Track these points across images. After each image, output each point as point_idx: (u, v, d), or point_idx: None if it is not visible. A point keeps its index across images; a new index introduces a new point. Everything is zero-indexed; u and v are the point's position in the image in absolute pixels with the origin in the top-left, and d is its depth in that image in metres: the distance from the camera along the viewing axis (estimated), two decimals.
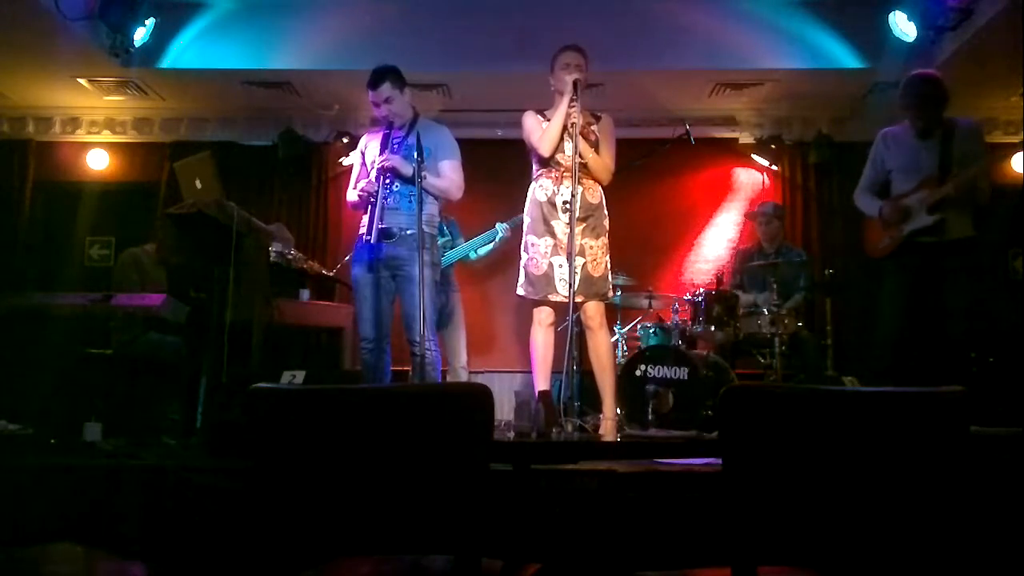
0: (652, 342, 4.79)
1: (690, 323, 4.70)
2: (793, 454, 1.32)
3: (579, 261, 3.32)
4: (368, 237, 3.48)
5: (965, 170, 3.55)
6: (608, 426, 3.37)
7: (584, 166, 3.39)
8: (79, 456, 2.86)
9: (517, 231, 3.84)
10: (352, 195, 3.65)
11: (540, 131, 3.43)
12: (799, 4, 5.33)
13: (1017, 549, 2.00)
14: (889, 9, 4.97)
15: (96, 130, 6.35)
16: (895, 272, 3.76)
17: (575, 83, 3.34)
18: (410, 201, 3.47)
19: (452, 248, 4.70)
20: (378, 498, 1.37)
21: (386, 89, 3.55)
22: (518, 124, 3.56)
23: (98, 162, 6.29)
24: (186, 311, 3.98)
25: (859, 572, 1.32)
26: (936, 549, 1.31)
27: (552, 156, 3.41)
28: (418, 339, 3.44)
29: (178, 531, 2.24)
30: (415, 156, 3.37)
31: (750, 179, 6.29)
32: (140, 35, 5.06)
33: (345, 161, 5.50)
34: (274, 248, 3.91)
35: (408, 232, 3.50)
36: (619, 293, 4.89)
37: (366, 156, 3.69)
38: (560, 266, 3.36)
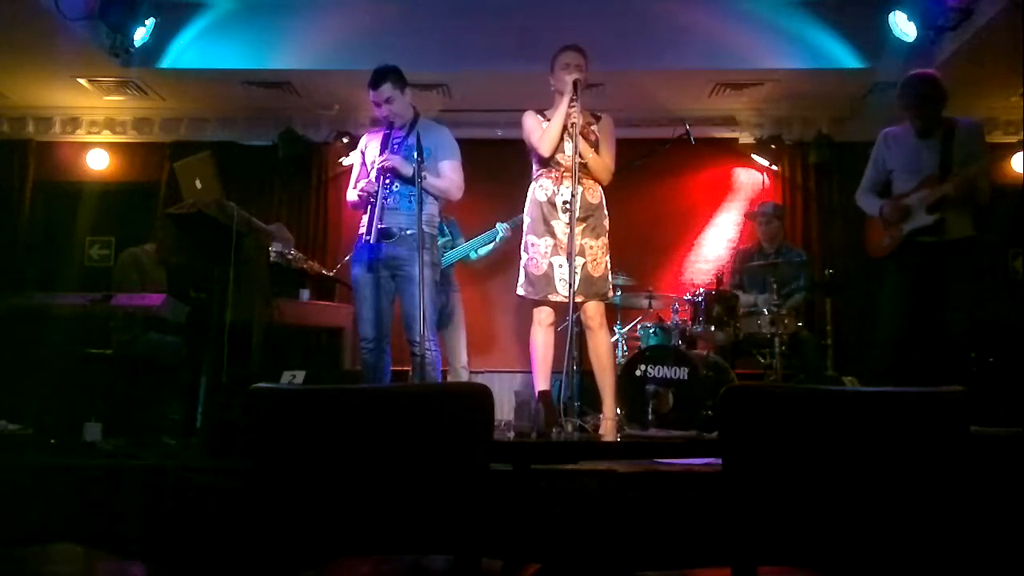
0: (652, 342, 4.79)
1: (690, 323, 4.70)
2: (793, 454, 1.32)
3: (579, 261, 3.32)
4: (368, 237, 3.48)
5: (965, 170, 3.55)
6: (608, 426, 3.37)
7: (584, 166, 3.39)
8: (79, 456, 2.86)
9: (517, 231, 3.84)
10: (352, 195, 3.65)
11: (540, 131, 3.43)
12: (799, 4, 5.33)
13: (1017, 549, 2.00)
14: (889, 9, 4.97)
15: (96, 130, 6.35)
16: (895, 272, 3.77)
17: (575, 83, 3.34)
18: (410, 201, 3.47)
19: (452, 248, 4.70)
20: (378, 498, 1.37)
21: (387, 89, 3.55)
22: (518, 124, 3.56)
23: (98, 162, 6.29)
24: (186, 311, 3.98)
25: (859, 572, 1.32)
26: (936, 549, 1.31)
27: (552, 156, 3.41)
28: (418, 339, 3.44)
29: (178, 531, 2.24)
30: (415, 156, 3.37)
31: (750, 179, 6.29)
32: (140, 35, 5.06)
33: (345, 161, 5.50)
34: (274, 248, 3.91)
35: (408, 232, 3.50)
36: (619, 293, 4.89)
37: (366, 156, 3.69)
38: (560, 266, 3.36)
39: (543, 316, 3.44)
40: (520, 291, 3.48)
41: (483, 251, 4.79)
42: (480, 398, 1.34)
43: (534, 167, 3.53)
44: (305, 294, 4.42)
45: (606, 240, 3.44)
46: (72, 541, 2.21)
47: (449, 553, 1.38)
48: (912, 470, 1.32)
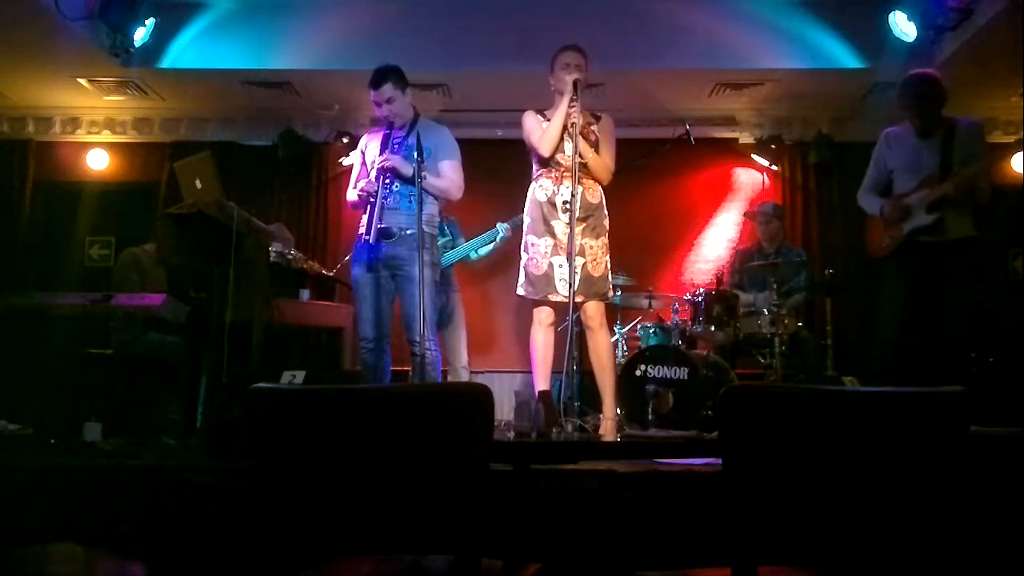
0: (652, 342, 4.79)
1: (690, 323, 4.70)
2: (793, 454, 1.32)
3: (579, 261, 3.31)
4: (367, 237, 3.48)
5: (965, 169, 3.56)
6: (608, 426, 3.37)
7: (584, 166, 3.39)
8: (79, 456, 2.86)
9: (518, 231, 3.84)
10: (352, 195, 3.65)
11: (540, 131, 3.43)
12: (799, 4, 5.33)
13: (1017, 549, 2.00)
14: (889, 9, 4.98)
15: (96, 130, 6.35)
16: (895, 272, 3.77)
17: (575, 83, 3.34)
18: (410, 201, 3.47)
19: (453, 248, 4.70)
20: (378, 498, 1.37)
21: (388, 89, 3.55)
22: (518, 124, 3.56)
23: (98, 162, 6.30)
24: (186, 311, 3.98)
25: (859, 572, 1.32)
26: (936, 549, 1.31)
27: (552, 156, 3.41)
28: (418, 339, 3.44)
29: (178, 531, 2.24)
30: (415, 156, 3.37)
31: (750, 179, 6.29)
32: (140, 35, 5.06)
33: (345, 161, 5.51)
34: (274, 248, 3.91)
35: (408, 232, 3.50)
36: (619, 293, 4.89)
37: (366, 156, 3.69)
38: (560, 266, 3.36)
39: (543, 316, 3.44)
40: (520, 291, 3.47)
41: (483, 251, 4.79)
42: (480, 398, 1.34)
43: (534, 167, 3.53)
44: (305, 294, 4.42)
45: (606, 240, 3.44)
46: (72, 541, 2.21)
47: (449, 553, 1.38)
48: (912, 470, 1.32)
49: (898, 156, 3.79)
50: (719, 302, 4.58)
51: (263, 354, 3.50)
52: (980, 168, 3.57)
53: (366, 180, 3.57)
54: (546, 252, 3.39)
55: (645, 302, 5.14)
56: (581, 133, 3.38)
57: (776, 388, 2.17)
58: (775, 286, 4.56)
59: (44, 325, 3.84)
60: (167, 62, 5.41)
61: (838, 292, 5.20)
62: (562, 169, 3.40)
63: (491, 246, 4.76)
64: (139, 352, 4.24)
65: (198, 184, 3.64)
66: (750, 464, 1.31)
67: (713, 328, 4.56)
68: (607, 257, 3.43)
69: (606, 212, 3.48)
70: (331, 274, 4.69)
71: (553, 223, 3.40)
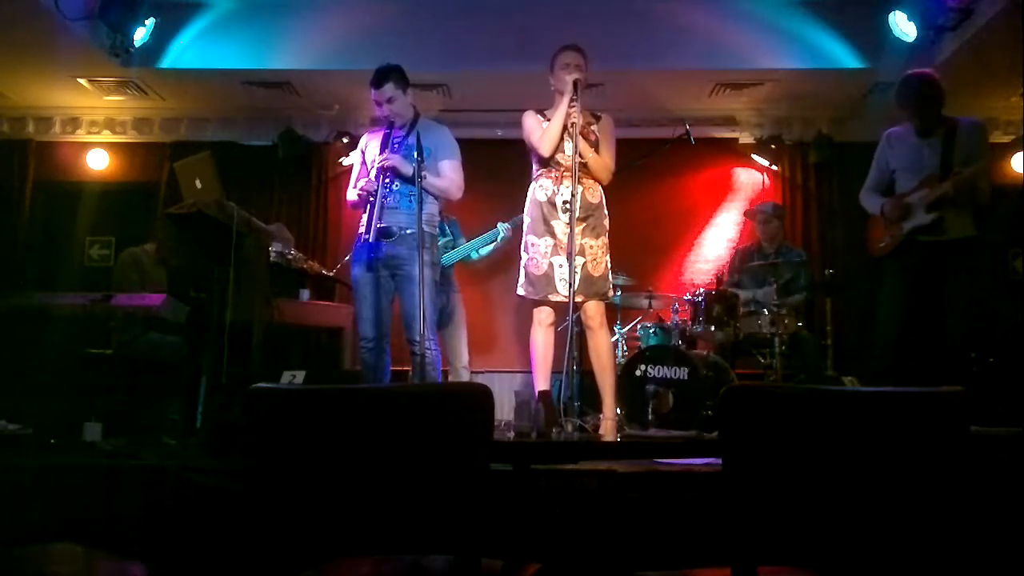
0: (652, 342, 4.78)
1: (690, 323, 4.70)
2: (793, 454, 1.32)
3: (579, 261, 3.31)
4: (367, 236, 3.47)
5: (965, 169, 3.56)
6: (608, 426, 3.37)
7: (584, 166, 3.39)
8: (79, 456, 2.86)
9: (518, 231, 3.84)
10: (352, 194, 3.65)
11: (540, 131, 3.43)
12: (799, 4, 5.33)
13: (1017, 549, 2.00)
14: (889, 9, 4.97)
15: (96, 130, 6.35)
16: (895, 272, 3.77)
17: (575, 83, 3.34)
18: (410, 201, 3.47)
19: (453, 248, 4.70)
20: (378, 498, 1.37)
21: (389, 89, 3.55)
22: (518, 124, 3.56)
23: (98, 162, 6.30)
24: (186, 311, 3.98)
25: (859, 572, 1.32)
26: (936, 549, 1.31)
27: (552, 156, 3.41)
28: (418, 339, 3.44)
29: (178, 531, 2.24)
30: (415, 156, 3.37)
31: (750, 179, 6.29)
32: (140, 35, 5.06)
33: (345, 161, 5.51)
34: (274, 248, 3.91)
35: (408, 232, 3.50)
36: (619, 293, 4.89)
37: (366, 155, 3.69)
38: (560, 266, 3.36)
39: (543, 316, 3.44)
40: (520, 291, 3.47)
41: (484, 251, 4.78)
42: (480, 398, 1.34)
43: (534, 167, 3.53)
44: (305, 294, 4.42)
45: (606, 240, 3.44)
46: (72, 541, 2.21)
47: (449, 553, 1.38)
48: (912, 470, 1.32)
49: (899, 156, 3.80)
50: (719, 302, 4.58)
51: (263, 354, 3.50)
52: (980, 168, 3.57)
53: (366, 179, 3.57)
54: (546, 252, 3.39)
55: (645, 302, 5.14)
56: (581, 133, 3.38)
57: (776, 388, 2.17)
58: (775, 285, 4.56)
59: (44, 325, 3.84)
60: (167, 62, 5.41)
61: (838, 292, 5.21)
62: (562, 169, 3.40)
63: (492, 246, 4.76)
64: (139, 352, 4.24)
65: (198, 184, 3.65)
66: (750, 464, 1.31)
67: (713, 328, 4.56)
68: (607, 257, 3.43)
69: (606, 212, 3.48)
70: (331, 274, 4.69)
71: (553, 223, 3.40)
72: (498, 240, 4.73)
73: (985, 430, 2.84)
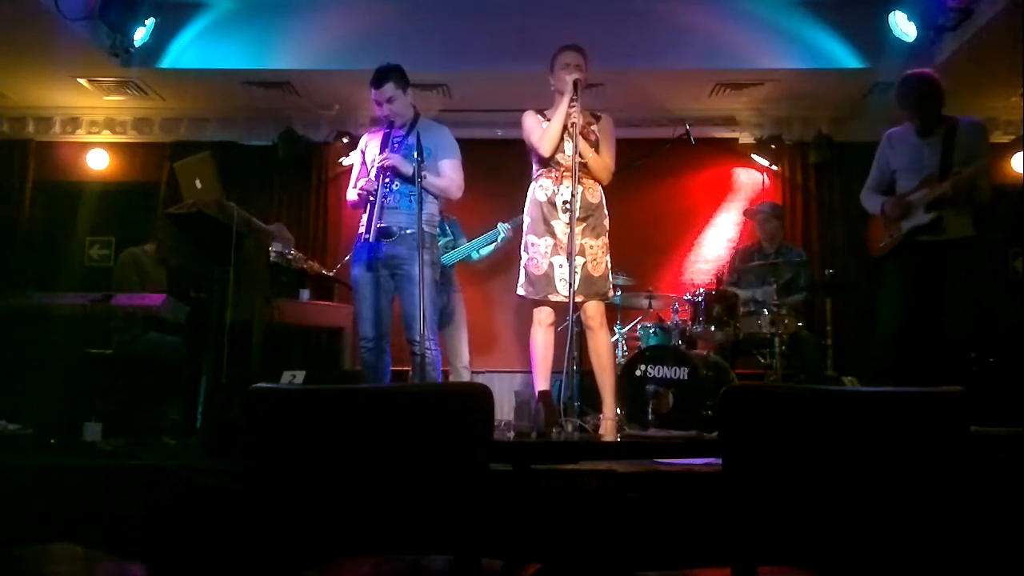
0: (652, 342, 4.78)
1: (690, 323, 4.70)
2: (793, 454, 1.32)
3: (579, 261, 3.31)
4: (367, 236, 3.47)
5: (964, 169, 3.56)
6: (608, 426, 3.37)
7: (584, 166, 3.39)
8: (79, 456, 2.86)
9: (519, 231, 3.84)
10: (352, 194, 3.65)
11: (540, 131, 3.43)
12: (799, 4, 5.33)
13: (1017, 549, 2.00)
14: (889, 9, 4.98)
15: (96, 130, 6.35)
16: (895, 272, 3.77)
17: (575, 83, 3.34)
18: (410, 200, 3.47)
19: (454, 248, 4.70)
20: (378, 498, 1.37)
21: (389, 88, 3.55)
22: (518, 124, 3.56)
23: (98, 162, 6.30)
24: (186, 311, 3.98)
25: (859, 572, 1.32)
26: (936, 549, 1.31)
27: (552, 156, 3.41)
28: (418, 339, 3.43)
29: (178, 531, 2.24)
30: (415, 156, 3.37)
31: (750, 179, 6.29)
32: (140, 35, 5.06)
33: (345, 161, 5.50)
34: (274, 248, 3.91)
35: (408, 231, 3.50)
36: (619, 293, 4.89)
37: (366, 155, 3.69)
38: (560, 266, 3.36)
39: (543, 316, 3.44)
40: (520, 291, 3.47)
41: (485, 251, 4.79)
42: (480, 398, 1.34)
43: (534, 167, 3.53)
44: (305, 294, 4.42)
45: (606, 240, 3.44)
46: (72, 541, 2.21)
47: (449, 553, 1.38)
48: (912, 470, 1.32)
49: (900, 156, 3.80)
50: (719, 302, 4.58)
51: (263, 354, 3.50)
52: (980, 167, 3.57)
53: (366, 179, 3.57)
54: (546, 252, 3.39)
55: (645, 302, 5.14)
56: (581, 133, 3.37)
57: (776, 388, 2.17)
58: (775, 285, 4.56)
59: (44, 325, 3.84)
60: (167, 62, 5.41)
61: (838, 292, 5.20)
62: (562, 169, 3.40)
63: (492, 246, 4.76)
64: (139, 352, 4.24)
65: (198, 184, 3.64)
66: (750, 464, 1.31)
67: (713, 328, 4.56)
68: (607, 257, 3.43)
69: (606, 212, 3.48)
70: (331, 274, 4.69)
71: (553, 223, 3.40)
72: (498, 240, 4.73)
73: (985, 430, 2.84)
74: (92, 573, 2.15)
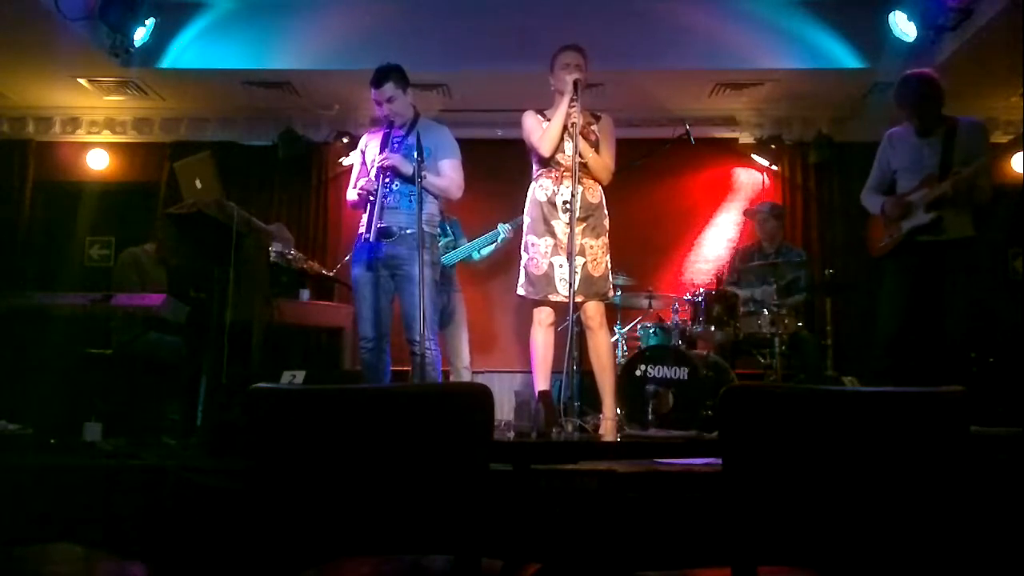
0: (652, 342, 4.79)
1: (690, 323, 4.70)
2: (793, 454, 1.32)
3: (579, 261, 3.31)
4: (367, 236, 3.47)
5: (964, 169, 3.56)
6: (608, 426, 3.37)
7: (584, 166, 3.39)
8: (79, 456, 2.86)
9: (518, 231, 3.84)
10: (352, 194, 3.65)
11: (540, 131, 3.43)
12: (799, 4, 5.33)
13: (1017, 549, 2.00)
14: (889, 9, 4.98)
15: (96, 130, 6.35)
16: (895, 272, 3.77)
17: (575, 83, 3.34)
18: (410, 200, 3.47)
19: (455, 248, 4.70)
20: (378, 498, 1.37)
21: (389, 88, 3.55)
22: (518, 124, 3.56)
23: (98, 162, 6.30)
24: (186, 311, 3.98)
25: (859, 572, 1.32)
26: (936, 549, 1.31)
27: (552, 156, 3.41)
28: (418, 339, 3.43)
29: (178, 531, 2.24)
30: (415, 155, 3.37)
31: (750, 179, 6.29)
32: (140, 35, 5.06)
33: (345, 161, 5.50)
34: (274, 248, 3.91)
35: (408, 231, 3.50)
36: (619, 293, 4.89)
37: (366, 155, 3.69)
38: (560, 266, 3.36)
39: (543, 316, 3.44)
40: (520, 291, 3.47)
41: (485, 251, 4.79)
42: (480, 398, 1.34)
43: (534, 167, 3.53)
44: (305, 294, 4.42)
45: (606, 240, 3.44)
46: (72, 541, 2.21)
47: (449, 553, 1.38)
48: (912, 470, 1.32)
49: (900, 156, 3.80)
50: (719, 302, 4.58)
51: (263, 354, 3.50)
52: (980, 166, 3.56)
53: (366, 179, 3.57)
54: (546, 252, 3.39)
55: (645, 302, 5.14)
56: (581, 133, 3.37)
57: (776, 388, 2.17)
58: (775, 285, 4.56)
59: (44, 325, 3.84)
60: (167, 62, 5.41)
61: (838, 292, 5.20)
62: (562, 169, 3.40)
63: (493, 247, 4.77)
64: (139, 352, 4.24)
65: (198, 184, 3.64)
66: (750, 464, 1.31)
67: (713, 328, 4.56)
68: (607, 257, 3.43)
69: (606, 212, 3.48)
70: (331, 274, 4.69)
71: (553, 223, 3.40)
72: (498, 241, 4.73)
73: (985, 430, 2.84)
74: (92, 573, 2.15)
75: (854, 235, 4.72)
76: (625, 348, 5.03)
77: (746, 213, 5.83)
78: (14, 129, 6.31)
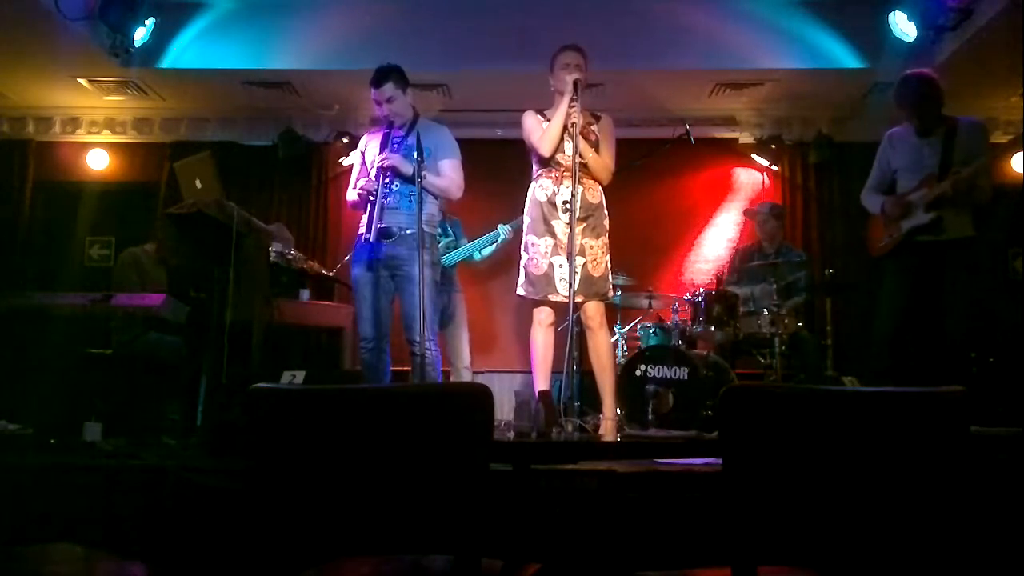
0: (652, 342, 4.79)
1: (690, 323, 4.70)
2: (793, 454, 1.32)
3: (579, 261, 3.31)
4: (367, 236, 3.47)
5: (963, 169, 3.56)
6: (608, 426, 3.37)
7: (584, 166, 3.39)
8: (79, 456, 2.86)
9: (519, 232, 3.84)
10: (352, 194, 3.65)
11: (540, 131, 3.43)
12: (799, 4, 5.33)
13: (1017, 549, 2.00)
14: (889, 9, 4.98)
15: (96, 130, 6.35)
16: (895, 272, 3.77)
17: (575, 83, 3.34)
18: (410, 200, 3.47)
19: (456, 248, 4.70)
20: (378, 498, 1.37)
21: (389, 88, 3.55)
22: (518, 124, 3.56)
23: (98, 162, 6.30)
24: (186, 311, 3.98)
25: (859, 572, 1.32)
26: (936, 549, 1.31)
27: (552, 156, 3.41)
28: (418, 339, 3.44)
29: (178, 531, 2.24)
30: (415, 156, 3.37)
31: (750, 179, 6.29)
32: (140, 35, 5.06)
33: (345, 161, 5.51)
34: (274, 248, 3.91)
35: (408, 232, 3.50)
36: (619, 293, 4.89)
37: (366, 156, 3.69)
38: (560, 266, 3.36)
39: (543, 316, 3.44)
40: (520, 291, 3.47)
41: (486, 252, 4.79)
42: (480, 398, 1.34)
43: (534, 167, 3.53)
44: (305, 294, 4.42)
45: (606, 240, 3.44)
46: (72, 541, 2.21)
47: (449, 553, 1.38)
48: (912, 470, 1.32)
49: (900, 156, 3.80)
50: (719, 302, 4.58)
51: (263, 354, 3.50)
52: (980, 166, 3.56)
53: (366, 179, 3.57)
54: (546, 252, 3.39)
55: (645, 302, 5.14)
56: (581, 133, 3.37)
57: (776, 388, 2.17)
58: (775, 285, 4.56)
59: (44, 325, 3.84)
60: (167, 62, 5.41)
61: (838, 292, 5.20)
62: (562, 169, 3.40)
63: (493, 247, 4.77)
64: (139, 352, 4.24)
65: (198, 184, 3.65)
66: (750, 464, 1.31)
67: (713, 328, 4.55)
68: (607, 257, 3.43)
69: (606, 212, 3.48)
70: (331, 274, 4.69)
71: (553, 223, 3.40)
72: (499, 241, 4.74)
73: (985, 430, 2.84)
74: (92, 573, 2.15)
75: (854, 235, 4.72)
76: (625, 348, 5.03)
77: (746, 213, 5.83)
78: (14, 129, 6.31)
